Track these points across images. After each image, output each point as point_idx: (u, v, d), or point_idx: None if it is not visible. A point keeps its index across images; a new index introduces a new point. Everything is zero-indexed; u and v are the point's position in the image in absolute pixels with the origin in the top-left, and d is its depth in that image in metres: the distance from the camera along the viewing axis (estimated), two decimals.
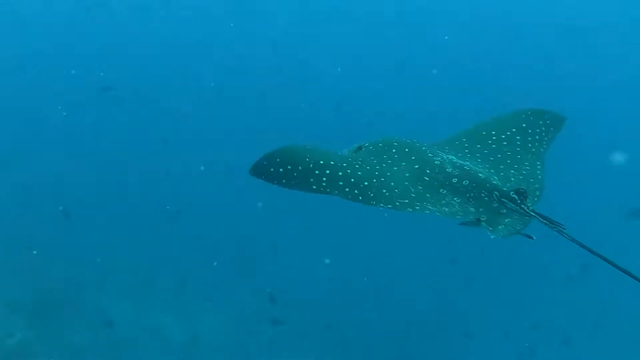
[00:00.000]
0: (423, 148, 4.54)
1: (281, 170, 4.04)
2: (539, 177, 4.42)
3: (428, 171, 4.25)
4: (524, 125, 4.80)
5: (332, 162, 4.20)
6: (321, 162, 4.17)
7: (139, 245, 13.90)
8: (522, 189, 4.01)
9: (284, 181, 4.02)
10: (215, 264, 13.55)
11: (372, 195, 4.08)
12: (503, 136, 4.74)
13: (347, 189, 4.08)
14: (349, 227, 12.52)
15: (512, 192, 3.99)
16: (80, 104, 17.12)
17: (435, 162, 4.32)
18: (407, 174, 4.26)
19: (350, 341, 12.59)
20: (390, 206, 4.04)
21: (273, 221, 13.98)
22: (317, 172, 4.10)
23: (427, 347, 12.70)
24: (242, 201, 13.57)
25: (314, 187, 4.05)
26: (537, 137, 4.73)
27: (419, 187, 4.17)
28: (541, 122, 4.84)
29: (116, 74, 17.67)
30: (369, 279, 13.34)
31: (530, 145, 4.68)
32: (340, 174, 4.15)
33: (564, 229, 3.65)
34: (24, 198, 14.18)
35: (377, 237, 13.10)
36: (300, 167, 4.08)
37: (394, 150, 4.48)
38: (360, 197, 4.06)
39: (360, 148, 4.64)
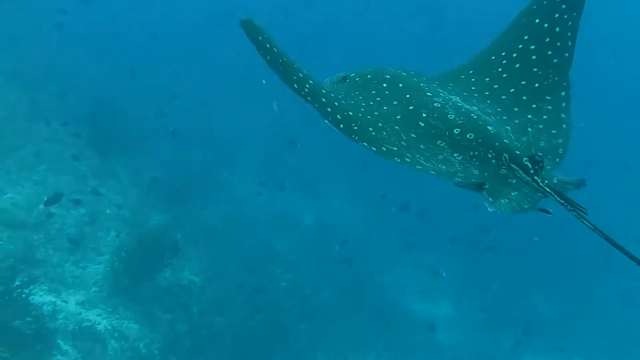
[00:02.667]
0: (421, 84, 3.70)
1: (268, 46, 3.21)
2: (564, 126, 3.52)
3: (424, 115, 3.43)
4: (537, 20, 3.76)
5: (311, 81, 3.36)
6: (304, 71, 3.35)
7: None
8: (539, 156, 3.19)
9: (268, 57, 3.20)
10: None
11: (355, 128, 3.30)
12: (514, 55, 3.79)
13: (328, 108, 3.29)
14: None
15: (525, 159, 3.19)
16: None
17: (435, 104, 3.49)
18: (398, 117, 3.44)
19: None
20: (374, 149, 3.25)
21: None
22: (300, 74, 3.29)
23: None
24: None
25: (296, 85, 3.21)
26: (557, 28, 3.69)
27: (412, 134, 3.34)
28: (557, 5, 3.75)
29: None
30: None
31: (550, 51, 3.68)
32: (323, 91, 3.39)
33: (586, 213, 2.94)
34: None
35: None
36: (285, 58, 3.28)
37: (384, 85, 3.65)
38: (341, 125, 3.28)
39: (345, 79, 3.87)
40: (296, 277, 17.78)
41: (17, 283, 9.50)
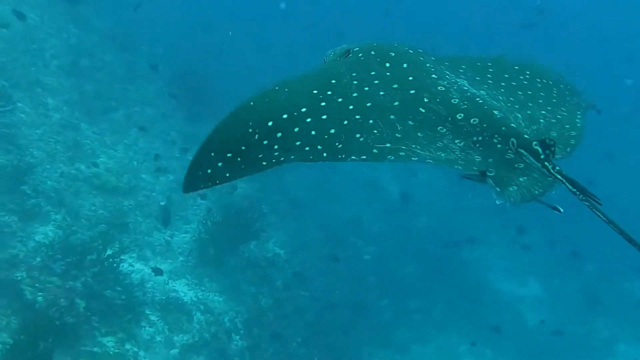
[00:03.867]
0: (427, 65, 3.42)
1: (220, 165, 2.91)
2: (578, 124, 3.35)
3: (426, 100, 3.15)
4: (562, 86, 3.72)
5: (285, 116, 3.02)
6: (269, 123, 2.98)
7: None
8: (550, 139, 2.91)
9: (227, 175, 2.91)
10: None
11: (340, 146, 2.94)
12: (538, 79, 3.67)
13: (307, 148, 2.94)
14: None
15: (535, 143, 2.93)
16: None
17: (439, 87, 3.23)
18: (396, 103, 3.14)
19: None
20: (364, 157, 2.92)
21: None
22: (265, 142, 2.95)
23: None
24: None
25: (264, 163, 2.91)
26: (575, 98, 3.66)
27: (409, 121, 3.06)
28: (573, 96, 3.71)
29: None
30: None
31: (568, 96, 3.63)
32: (296, 130, 2.99)
33: (600, 204, 2.65)
34: None
35: None
36: (243, 147, 2.93)
37: (387, 65, 3.38)
38: (325, 154, 2.94)
39: (348, 52, 3.62)
40: (380, 249, 17.54)
41: (109, 252, 9.49)
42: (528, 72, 3.73)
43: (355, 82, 3.27)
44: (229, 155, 2.93)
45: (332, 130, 3.00)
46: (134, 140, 13.83)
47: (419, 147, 2.96)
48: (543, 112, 3.38)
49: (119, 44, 17.14)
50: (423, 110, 3.12)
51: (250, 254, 12.55)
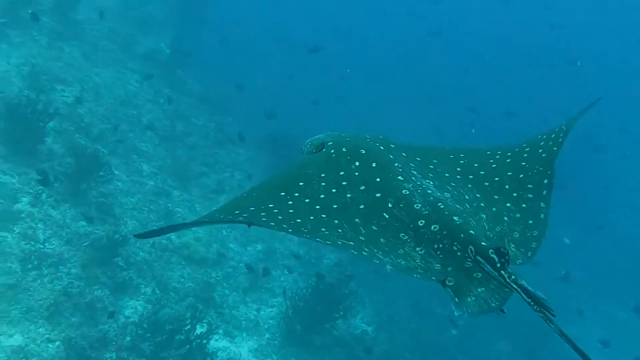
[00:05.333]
0: (395, 164, 3.47)
1: (173, 231, 3.31)
2: (542, 216, 3.35)
3: (390, 205, 3.21)
4: (541, 143, 3.82)
5: (252, 208, 3.19)
6: (236, 211, 3.19)
7: None
8: (504, 249, 2.94)
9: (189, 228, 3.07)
10: None
11: (305, 230, 3.08)
12: (509, 153, 3.79)
13: (272, 223, 3.07)
14: None
15: (491, 251, 2.94)
16: None
17: (404, 191, 3.27)
18: (361, 206, 3.22)
19: None
20: (329, 243, 3.00)
21: None
22: (229, 215, 3.19)
23: None
24: None
25: (230, 217, 3.15)
26: (550, 142, 3.75)
27: (373, 226, 3.12)
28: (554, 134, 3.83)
29: None
30: None
31: (540, 151, 3.71)
32: (262, 214, 3.15)
33: (554, 315, 2.72)
34: None
35: None
36: (203, 221, 3.28)
37: (357, 164, 3.47)
38: (290, 230, 3.08)
39: (322, 146, 3.70)
40: (468, 323, 16.59)
41: (197, 331, 9.23)
42: (500, 153, 3.80)
43: (323, 183, 3.37)
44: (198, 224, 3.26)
45: (299, 220, 3.12)
46: None
47: (380, 253, 2.98)
48: (508, 204, 3.40)
49: (211, 107, 17.44)
50: (387, 216, 3.16)
51: (338, 332, 11.98)
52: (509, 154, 3.77)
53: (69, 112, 12.68)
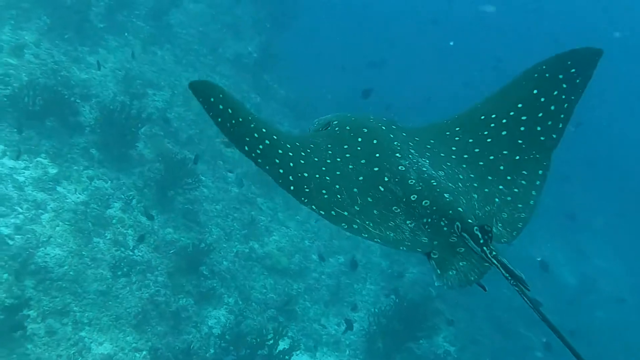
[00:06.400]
0: (395, 143, 3.63)
1: (220, 107, 3.22)
2: (531, 202, 3.39)
3: (386, 179, 3.38)
4: (535, 92, 3.64)
5: (274, 137, 3.35)
6: (263, 130, 3.33)
7: None
8: (488, 226, 3.04)
9: (219, 120, 3.20)
10: None
11: (307, 190, 3.21)
12: (504, 121, 3.66)
13: (280, 170, 3.24)
14: None
15: (475, 228, 3.05)
16: None
17: (400, 167, 3.43)
18: (360, 178, 3.40)
19: None
20: (322, 212, 3.18)
21: None
22: (256, 135, 3.28)
23: None
24: None
25: (247, 148, 3.20)
26: (552, 107, 3.57)
27: (369, 198, 3.30)
28: (561, 76, 3.60)
29: None
30: None
31: (540, 127, 3.55)
32: (280, 151, 3.31)
33: (528, 289, 2.82)
34: None
35: None
36: (240, 119, 3.26)
37: (359, 140, 3.64)
38: (292, 187, 3.21)
39: (327, 125, 3.87)
40: (554, 345, 15.78)
41: (280, 347, 9.11)
42: (494, 117, 3.70)
43: (330, 152, 3.55)
44: (229, 110, 3.26)
45: (306, 174, 3.29)
46: (306, 216, 13.58)
47: (371, 225, 3.15)
48: (501, 187, 3.44)
49: (296, 112, 17.36)
50: (382, 189, 3.32)
51: (420, 351, 11.58)
52: (504, 121, 3.67)
53: (159, 116, 12.89)
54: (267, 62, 17.85)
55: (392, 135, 3.69)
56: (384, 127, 3.76)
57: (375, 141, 3.62)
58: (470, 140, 3.71)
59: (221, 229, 11.59)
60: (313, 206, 3.20)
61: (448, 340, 12.79)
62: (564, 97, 3.57)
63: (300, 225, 13.29)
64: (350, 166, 3.45)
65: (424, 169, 3.42)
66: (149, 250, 9.92)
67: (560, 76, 3.60)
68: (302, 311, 11.26)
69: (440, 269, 3.05)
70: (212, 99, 3.24)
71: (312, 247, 12.81)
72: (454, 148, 3.70)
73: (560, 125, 3.56)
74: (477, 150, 3.65)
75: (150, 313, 9.00)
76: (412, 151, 3.58)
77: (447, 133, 3.81)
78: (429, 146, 3.71)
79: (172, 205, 11.05)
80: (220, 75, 16.42)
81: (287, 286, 11.45)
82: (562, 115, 3.56)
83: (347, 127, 3.76)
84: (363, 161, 3.48)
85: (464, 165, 3.58)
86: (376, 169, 3.43)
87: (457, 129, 3.81)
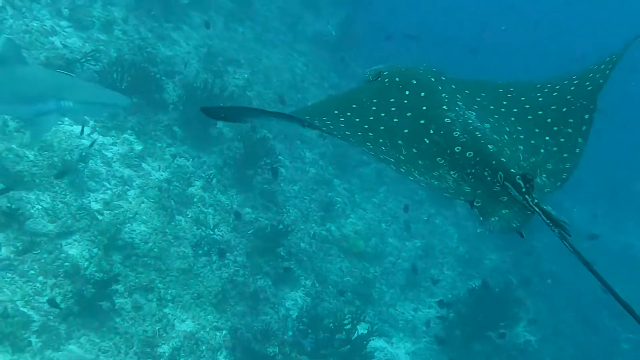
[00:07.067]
0: (442, 95, 3.62)
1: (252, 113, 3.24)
2: (577, 150, 3.40)
3: (432, 131, 3.38)
4: (589, 87, 3.71)
5: (324, 118, 3.48)
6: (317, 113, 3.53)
7: None
8: (530, 175, 3.11)
9: (257, 120, 3.33)
10: None
11: (354, 141, 3.31)
12: (558, 86, 3.78)
13: (324, 128, 3.33)
14: None
15: (518, 177, 3.09)
16: None
17: (446, 119, 3.42)
18: (405, 130, 3.41)
19: None
20: (372, 153, 3.26)
21: None
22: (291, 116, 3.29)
23: None
24: None
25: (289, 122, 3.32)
26: (598, 74, 3.72)
27: (414, 149, 3.31)
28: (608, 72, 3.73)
29: None
30: None
31: (587, 83, 3.69)
32: (316, 122, 3.39)
33: (569, 235, 2.85)
34: None
35: None
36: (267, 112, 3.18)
37: (406, 93, 3.67)
38: (339, 136, 3.31)
39: (378, 76, 3.91)
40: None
41: (358, 332, 9.02)
42: (550, 86, 3.83)
43: (374, 107, 3.59)
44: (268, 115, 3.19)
45: (347, 132, 3.38)
46: (383, 199, 13.39)
47: (417, 172, 3.22)
48: (547, 138, 3.49)
49: None
50: (427, 141, 3.36)
51: (499, 340, 11.24)
52: (557, 87, 3.81)
53: (240, 94, 12.91)
54: (346, 40, 17.57)
55: (440, 87, 3.71)
56: (433, 79, 3.78)
57: (422, 94, 3.65)
58: (523, 99, 3.79)
59: (299, 209, 11.56)
60: (363, 148, 3.30)
61: (528, 330, 12.38)
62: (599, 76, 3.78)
63: (377, 207, 13.11)
64: (396, 119, 3.51)
65: (470, 121, 3.47)
66: (228, 229, 10.00)
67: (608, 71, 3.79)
68: (379, 295, 11.13)
69: (482, 216, 3.12)
70: (234, 113, 3.24)
71: (388, 230, 12.62)
72: (504, 102, 3.77)
73: (607, 72, 3.75)
74: (527, 106, 3.72)
75: (230, 293, 9.08)
76: (460, 103, 3.62)
77: (500, 90, 3.88)
78: (478, 99, 3.77)
79: (250, 184, 11.09)
80: (299, 54, 16.30)
81: (363, 270, 11.34)
82: (607, 72, 3.76)
83: (397, 79, 3.81)
84: (409, 114, 3.53)
85: (513, 119, 3.65)
86: (422, 121, 3.48)
87: (512, 89, 3.90)
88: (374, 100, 3.66)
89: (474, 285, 11.25)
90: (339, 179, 13.19)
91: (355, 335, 9.07)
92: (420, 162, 3.28)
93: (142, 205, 9.31)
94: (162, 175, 10.04)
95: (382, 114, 3.54)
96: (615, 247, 19.65)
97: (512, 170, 3.19)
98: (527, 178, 3.11)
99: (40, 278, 7.41)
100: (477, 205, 3.14)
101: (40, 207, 8.07)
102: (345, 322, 9.21)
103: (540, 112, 3.66)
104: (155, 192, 9.59)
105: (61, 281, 7.48)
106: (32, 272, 7.41)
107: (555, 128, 3.56)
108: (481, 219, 3.12)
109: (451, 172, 3.25)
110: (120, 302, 7.92)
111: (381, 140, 3.36)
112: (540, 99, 3.76)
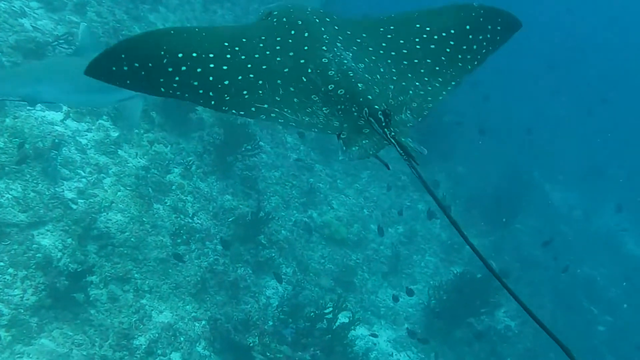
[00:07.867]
0: (324, 36, 3.76)
1: (125, 69, 3.23)
2: (440, 97, 3.70)
3: (309, 70, 3.54)
4: (467, 27, 4.02)
5: (194, 54, 3.43)
6: (180, 55, 3.39)
7: None
8: (389, 110, 3.41)
9: (128, 82, 3.23)
10: None
11: (227, 98, 3.33)
12: (436, 37, 3.96)
13: (200, 91, 3.33)
14: None
15: (380, 112, 3.38)
16: None
17: (323, 59, 3.59)
18: (286, 70, 3.52)
19: None
20: (242, 113, 3.31)
21: None
22: (170, 69, 3.33)
23: None
24: None
25: (162, 89, 3.27)
26: (474, 46, 3.98)
27: (291, 88, 3.46)
28: (490, 27, 4.05)
29: None
30: None
31: (461, 56, 3.92)
32: (198, 70, 3.38)
33: (417, 164, 3.06)
34: None
35: None
36: (150, 64, 3.30)
37: (292, 32, 3.78)
38: (212, 102, 3.31)
39: (269, 15, 3.99)
40: (617, 320, 15.30)
41: (339, 321, 8.93)
42: (428, 30, 3.98)
43: (261, 44, 3.66)
44: (135, 65, 3.25)
45: (226, 82, 3.39)
46: (365, 184, 13.26)
47: (289, 112, 3.34)
48: (417, 83, 3.73)
49: None
50: (305, 80, 3.50)
51: (480, 325, 11.24)
52: (435, 37, 3.96)
53: None
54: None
55: (323, 29, 3.86)
56: (317, 20, 3.91)
57: (306, 34, 3.79)
58: (401, 42, 3.96)
59: (280, 196, 11.39)
60: (233, 111, 3.35)
61: (509, 315, 12.40)
62: (484, 44, 3.99)
63: (359, 193, 12.98)
64: (278, 58, 3.62)
65: (345, 61, 3.65)
66: (207, 217, 9.81)
67: (489, 27, 4.02)
68: (360, 282, 11.05)
69: (345, 146, 3.31)
70: (109, 76, 3.23)
71: (371, 216, 12.51)
72: (384, 44, 3.94)
73: (475, 63, 3.95)
74: (404, 51, 3.90)
75: (209, 282, 8.93)
76: (339, 44, 3.79)
77: (381, 29, 4.02)
78: (358, 40, 3.92)
79: (231, 171, 10.88)
80: None
81: (345, 257, 11.23)
82: (478, 57, 3.96)
83: (284, 19, 3.92)
84: (291, 54, 3.65)
85: (389, 61, 3.83)
86: (302, 61, 3.62)
87: (392, 27, 4.04)
88: (263, 37, 3.78)
89: (455, 272, 11.22)
90: (321, 165, 13.03)
91: (337, 324, 8.98)
92: (295, 99, 3.45)
93: (119, 193, 9.07)
94: (139, 162, 9.78)
95: (267, 52, 3.66)
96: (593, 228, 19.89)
97: (376, 106, 3.43)
98: (386, 113, 3.36)
99: (11, 270, 7.18)
100: (343, 137, 3.34)
101: (10, 196, 7.81)
102: (327, 311, 9.11)
103: (415, 61, 3.87)
104: (132, 180, 9.34)
105: (33, 273, 7.26)
106: (2, 263, 7.19)
107: (425, 79, 3.81)
108: (344, 148, 3.32)
109: (323, 109, 3.44)
110: (95, 293, 7.73)
111: (260, 82, 3.48)
112: (417, 47, 3.95)
